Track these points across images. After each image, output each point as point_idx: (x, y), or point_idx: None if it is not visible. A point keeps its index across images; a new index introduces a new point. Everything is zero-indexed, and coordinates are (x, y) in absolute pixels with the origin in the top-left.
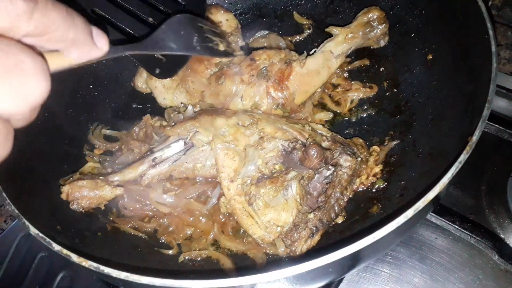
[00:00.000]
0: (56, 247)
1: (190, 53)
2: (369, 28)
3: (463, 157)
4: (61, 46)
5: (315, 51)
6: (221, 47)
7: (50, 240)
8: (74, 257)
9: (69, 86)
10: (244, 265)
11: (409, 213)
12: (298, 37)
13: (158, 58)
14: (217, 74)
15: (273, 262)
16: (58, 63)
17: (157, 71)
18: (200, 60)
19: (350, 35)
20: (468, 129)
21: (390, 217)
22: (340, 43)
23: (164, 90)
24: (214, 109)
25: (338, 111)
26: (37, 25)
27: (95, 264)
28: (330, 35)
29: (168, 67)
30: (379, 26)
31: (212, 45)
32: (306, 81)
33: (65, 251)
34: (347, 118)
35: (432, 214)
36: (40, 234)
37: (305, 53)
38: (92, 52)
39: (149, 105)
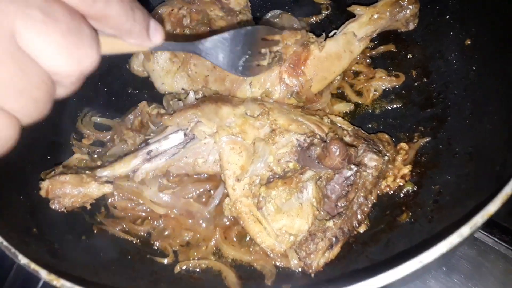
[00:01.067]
0: (23, 259)
1: (230, 71)
2: (398, 8)
3: None
4: (115, 33)
5: (335, 33)
6: (265, 62)
7: (15, 251)
8: (43, 274)
9: None
10: (250, 280)
11: (464, 231)
12: (314, 19)
13: None
14: None
15: (284, 276)
16: (109, 46)
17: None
18: None
19: (375, 16)
20: None
21: (439, 235)
22: (364, 24)
23: (163, 74)
24: (219, 96)
25: (360, 102)
26: (97, 11)
27: (68, 284)
28: (352, 16)
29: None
30: (409, 6)
31: (257, 63)
32: (325, 67)
33: (33, 266)
34: (370, 111)
35: None
36: (4, 243)
37: (324, 35)
38: (144, 44)
39: (146, 90)
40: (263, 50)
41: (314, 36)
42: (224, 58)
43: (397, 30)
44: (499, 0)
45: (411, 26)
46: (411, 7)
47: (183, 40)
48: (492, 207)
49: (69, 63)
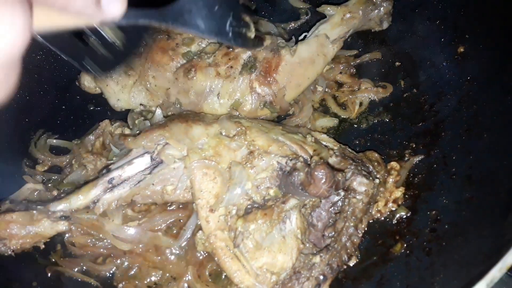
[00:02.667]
0: None
1: (219, 39)
2: (371, 6)
3: None
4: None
5: (305, 36)
6: (252, 34)
7: None
8: None
9: None
10: None
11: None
12: (293, 24)
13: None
14: (186, 67)
15: None
16: (43, 20)
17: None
18: (163, 49)
19: (348, 15)
20: None
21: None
22: (337, 25)
23: (118, 89)
24: (190, 114)
25: (345, 116)
26: None
27: None
28: (323, 16)
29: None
30: (382, 4)
31: (245, 31)
32: (299, 73)
33: None
34: (355, 125)
35: None
36: None
37: (294, 38)
38: (95, 16)
39: (108, 107)
40: (246, 18)
41: (284, 41)
42: (205, 23)
43: (371, 29)
44: (494, 4)
45: (385, 25)
46: (384, 4)
47: None
48: (510, 257)
49: None
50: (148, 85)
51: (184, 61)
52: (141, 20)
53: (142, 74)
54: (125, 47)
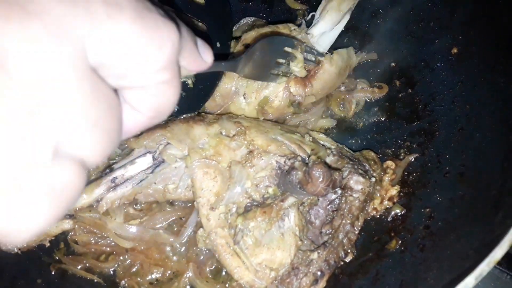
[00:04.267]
0: None
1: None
2: None
3: None
4: None
5: (313, 16)
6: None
7: None
8: None
9: None
10: None
11: (469, 281)
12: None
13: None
14: None
15: None
16: None
17: (176, 108)
18: None
19: None
20: None
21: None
22: None
23: None
24: (191, 115)
25: (342, 116)
26: None
27: None
28: None
29: (188, 102)
30: None
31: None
32: (333, 81)
33: None
34: (352, 125)
35: None
36: None
37: (303, 22)
38: (197, 64)
39: None
40: (281, 60)
41: (297, 27)
42: (252, 70)
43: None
44: (488, 6)
45: None
46: None
47: None
48: (498, 252)
49: (151, 51)
50: None
51: None
52: (228, 70)
53: None
54: (196, 87)
